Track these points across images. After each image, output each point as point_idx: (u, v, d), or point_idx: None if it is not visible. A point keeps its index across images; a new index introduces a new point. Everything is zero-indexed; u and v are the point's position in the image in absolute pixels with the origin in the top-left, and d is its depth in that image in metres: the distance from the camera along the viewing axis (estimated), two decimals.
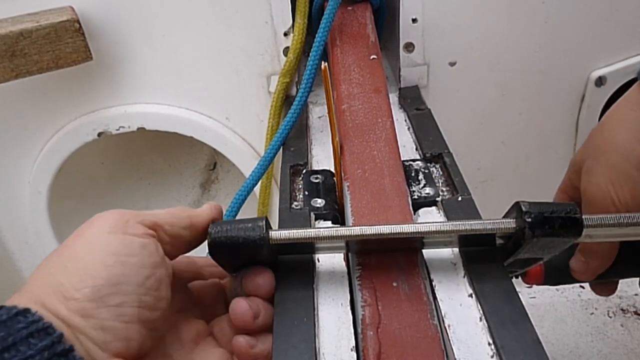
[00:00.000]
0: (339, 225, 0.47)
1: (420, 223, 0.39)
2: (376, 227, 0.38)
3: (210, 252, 0.38)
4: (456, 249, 0.42)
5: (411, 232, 0.38)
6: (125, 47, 0.74)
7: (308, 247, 0.41)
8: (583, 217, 0.37)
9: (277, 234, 0.39)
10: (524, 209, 0.37)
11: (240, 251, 0.38)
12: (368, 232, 0.38)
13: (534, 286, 0.82)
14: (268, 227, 0.39)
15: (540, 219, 0.37)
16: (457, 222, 0.39)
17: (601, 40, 0.79)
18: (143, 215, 0.37)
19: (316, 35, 0.65)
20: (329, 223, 0.48)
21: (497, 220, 0.39)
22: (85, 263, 0.34)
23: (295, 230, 0.39)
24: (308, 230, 0.39)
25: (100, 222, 0.37)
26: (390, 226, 0.38)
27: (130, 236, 0.35)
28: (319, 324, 0.38)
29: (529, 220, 0.37)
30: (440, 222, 0.39)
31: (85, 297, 0.32)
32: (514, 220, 0.38)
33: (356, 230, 0.38)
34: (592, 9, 0.75)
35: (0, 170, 0.84)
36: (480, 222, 0.38)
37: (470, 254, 0.41)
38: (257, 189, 0.78)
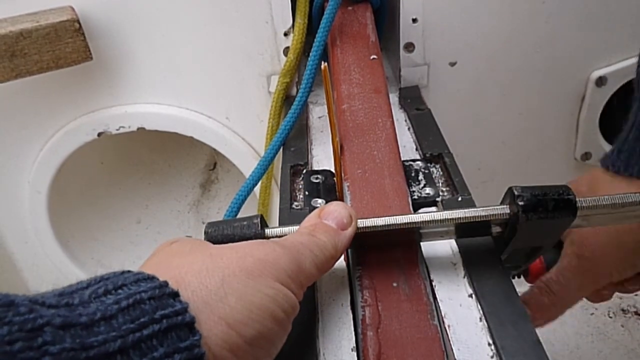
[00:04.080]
0: None
1: (416, 214, 0.39)
2: (372, 219, 0.38)
3: None
4: (456, 249, 0.42)
5: (407, 223, 0.38)
6: (125, 47, 0.73)
7: None
8: (577, 199, 0.37)
9: (272, 231, 0.39)
10: (516, 193, 0.37)
11: None
12: (363, 225, 0.38)
13: None
14: (264, 224, 0.39)
15: (533, 202, 0.36)
16: (452, 211, 0.38)
17: (602, 40, 0.79)
18: (300, 273, 0.32)
19: (316, 35, 0.65)
20: None
21: (491, 207, 0.38)
22: (251, 302, 0.29)
23: (290, 227, 0.39)
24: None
25: (273, 264, 0.31)
26: (385, 218, 0.38)
27: (292, 295, 0.31)
28: (319, 324, 0.38)
29: (522, 203, 0.36)
30: (436, 212, 0.39)
31: (247, 338, 0.28)
32: (508, 205, 0.38)
33: None
34: (592, 9, 0.75)
35: (0, 170, 0.84)
36: (474, 209, 0.38)
37: (470, 254, 0.41)
38: (257, 189, 0.78)
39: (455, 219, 0.38)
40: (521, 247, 0.40)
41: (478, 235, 0.41)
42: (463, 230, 0.40)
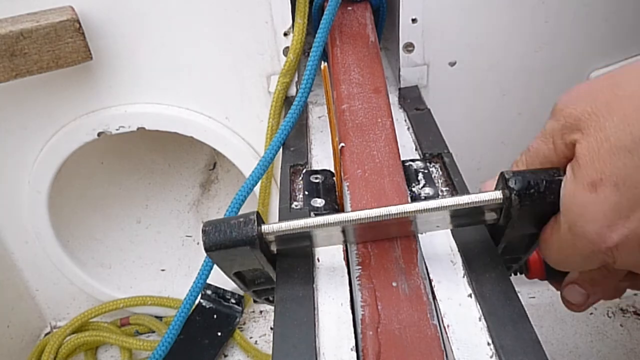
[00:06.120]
0: (328, 212, 0.48)
1: (411, 203, 0.39)
2: (365, 211, 0.38)
3: (206, 250, 0.39)
4: (456, 249, 0.42)
5: (401, 212, 0.38)
6: (125, 47, 0.74)
7: (304, 240, 0.41)
8: None
9: (269, 227, 0.39)
10: (507, 176, 0.37)
11: (234, 245, 0.38)
12: (357, 217, 0.38)
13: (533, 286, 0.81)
14: (260, 221, 0.39)
15: (525, 184, 0.36)
16: (445, 199, 0.39)
17: (601, 40, 0.79)
18: None
19: (316, 35, 0.65)
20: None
21: (484, 193, 0.38)
22: None
23: (287, 222, 0.39)
24: (298, 220, 0.39)
25: None
26: (380, 209, 0.38)
27: None
28: (319, 324, 0.38)
29: (514, 186, 0.36)
30: (429, 201, 0.39)
31: None
32: (500, 190, 0.38)
33: (344, 216, 0.39)
34: (592, 9, 0.76)
35: (0, 170, 0.84)
36: (467, 196, 0.38)
37: (470, 254, 0.41)
38: (257, 189, 0.78)
39: (448, 206, 0.38)
40: (518, 233, 0.40)
41: (475, 223, 0.41)
42: (459, 218, 0.40)
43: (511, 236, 0.40)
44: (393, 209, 0.38)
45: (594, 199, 0.32)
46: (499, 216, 0.39)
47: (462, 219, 0.40)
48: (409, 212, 0.38)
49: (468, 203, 0.38)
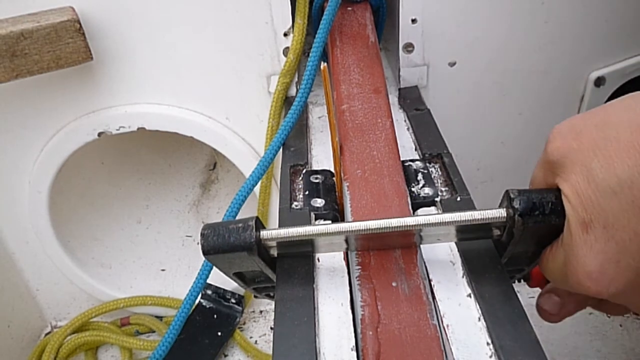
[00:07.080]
0: (330, 222, 0.48)
1: (414, 216, 0.39)
2: (367, 222, 0.38)
3: (204, 253, 0.39)
4: (455, 249, 0.42)
5: (405, 225, 0.38)
6: (125, 47, 0.74)
7: (306, 246, 0.41)
8: None
9: (268, 233, 0.39)
10: (512, 196, 0.37)
11: (232, 250, 0.38)
12: (357, 228, 0.38)
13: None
14: (259, 226, 0.39)
15: (529, 205, 0.36)
16: (450, 214, 0.38)
17: (601, 40, 0.79)
18: None
19: (316, 36, 0.65)
20: (328, 223, 0.48)
21: (488, 210, 0.38)
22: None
23: (285, 229, 0.39)
24: (299, 228, 0.39)
25: None
26: (383, 220, 0.38)
27: None
28: (319, 324, 0.38)
29: (518, 207, 0.36)
30: (433, 215, 0.39)
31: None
32: (504, 209, 0.38)
33: (347, 226, 0.39)
34: (592, 10, 0.76)
35: (0, 170, 0.84)
36: (470, 212, 0.38)
37: (469, 254, 0.41)
38: (257, 189, 0.78)
39: (451, 222, 0.38)
40: (521, 250, 0.40)
41: (478, 238, 0.41)
42: (463, 233, 0.40)
43: (514, 252, 0.40)
44: (396, 222, 0.38)
45: (586, 240, 0.33)
46: (502, 233, 0.39)
47: (465, 233, 0.40)
48: (414, 225, 0.38)
49: (472, 220, 0.38)
